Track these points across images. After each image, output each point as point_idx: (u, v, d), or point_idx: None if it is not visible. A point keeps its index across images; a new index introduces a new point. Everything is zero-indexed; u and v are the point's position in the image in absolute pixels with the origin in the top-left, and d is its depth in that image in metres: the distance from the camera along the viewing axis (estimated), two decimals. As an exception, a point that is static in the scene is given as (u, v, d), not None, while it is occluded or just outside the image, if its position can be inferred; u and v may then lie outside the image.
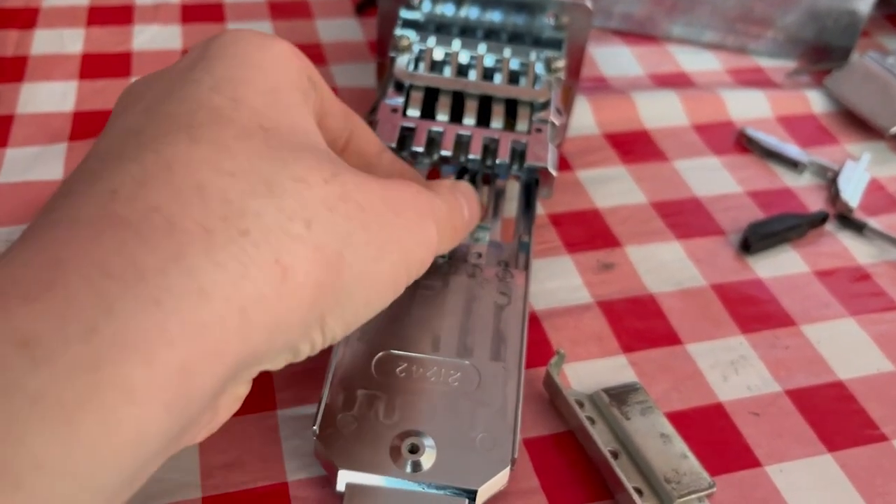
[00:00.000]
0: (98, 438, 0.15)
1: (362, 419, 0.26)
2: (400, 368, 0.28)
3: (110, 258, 0.16)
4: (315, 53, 0.47)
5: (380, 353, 0.28)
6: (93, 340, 0.15)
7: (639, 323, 0.33)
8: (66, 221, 0.17)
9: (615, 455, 0.28)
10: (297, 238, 0.19)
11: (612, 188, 0.40)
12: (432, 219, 0.25)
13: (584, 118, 0.44)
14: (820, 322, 0.34)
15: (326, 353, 0.28)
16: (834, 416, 0.31)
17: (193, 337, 0.17)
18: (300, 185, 0.20)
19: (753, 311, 0.34)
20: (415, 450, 0.26)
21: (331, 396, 0.27)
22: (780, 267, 0.37)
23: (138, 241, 0.17)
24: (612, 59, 0.49)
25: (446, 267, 0.31)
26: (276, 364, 0.22)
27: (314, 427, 0.26)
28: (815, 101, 0.47)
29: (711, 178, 0.41)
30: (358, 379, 0.27)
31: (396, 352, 0.28)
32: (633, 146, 0.43)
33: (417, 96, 0.34)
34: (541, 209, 0.38)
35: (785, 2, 0.49)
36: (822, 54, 0.51)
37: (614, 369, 0.31)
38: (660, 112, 0.45)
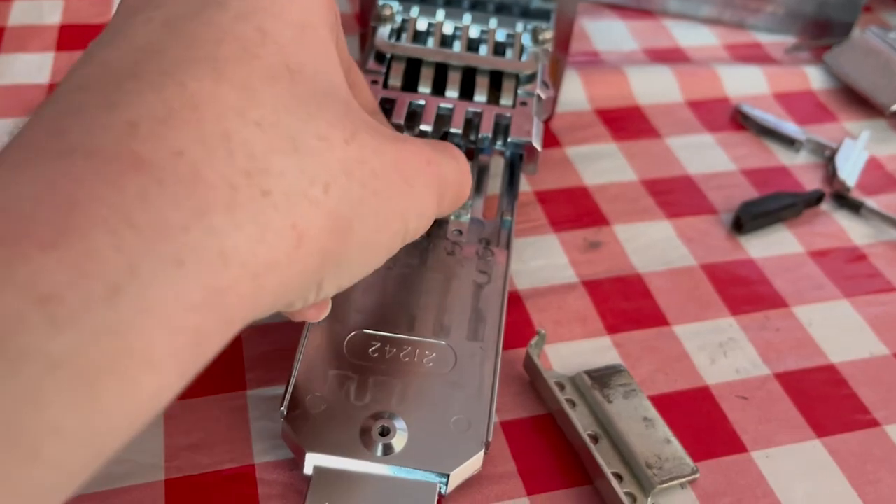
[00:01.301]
0: (117, 406, 0.14)
1: (332, 400, 0.25)
2: (373, 349, 0.27)
3: (132, 207, 0.15)
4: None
5: (352, 333, 0.27)
6: (116, 303, 0.14)
7: (625, 303, 0.32)
8: (79, 153, 0.15)
9: (595, 439, 0.27)
10: (315, 203, 0.18)
11: (602, 165, 0.39)
12: (436, 188, 0.24)
13: (575, 93, 0.42)
14: (813, 304, 0.33)
15: (297, 331, 0.27)
16: (824, 400, 0.30)
17: (211, 303, 0.16)
18: (323, 144, 0.19)
19: (744, 291, 0.33)
20: (386, 432, 0.25)
21: (300, 377, 0.26)
22: (773, 247, 0.36)
23: (161, 190, 0.16)
24: (606, 33, 0.48)
25: (425, 244, 0.30)
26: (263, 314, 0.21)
27: (282, 408, 0.25)
28: (815, 78, 0.46)
29: (705, 155, 0.40)
30: (329, 359, 0.26)
31: (370, 331, 0.27)
32: (625, 122, 0.41)
33: (399, 68, 0.33)
34: (527, 186, 0.37)
35: (785, -25, 0.47)
36: (823, 30, 0.49)
37: (598, 351, 0.30)
38: (653, 88, 0.43)
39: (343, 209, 0.19)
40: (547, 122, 0.41)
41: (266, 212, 0.17)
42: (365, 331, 0.27)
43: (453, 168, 0.25)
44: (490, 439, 0.25)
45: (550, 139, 0.40)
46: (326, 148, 0.19)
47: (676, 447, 0.27)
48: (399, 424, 0.25)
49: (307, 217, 0.18)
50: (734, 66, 0.45)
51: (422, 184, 0.23)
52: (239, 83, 0.18)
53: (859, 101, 0.44)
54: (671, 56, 0.47)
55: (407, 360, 0.27)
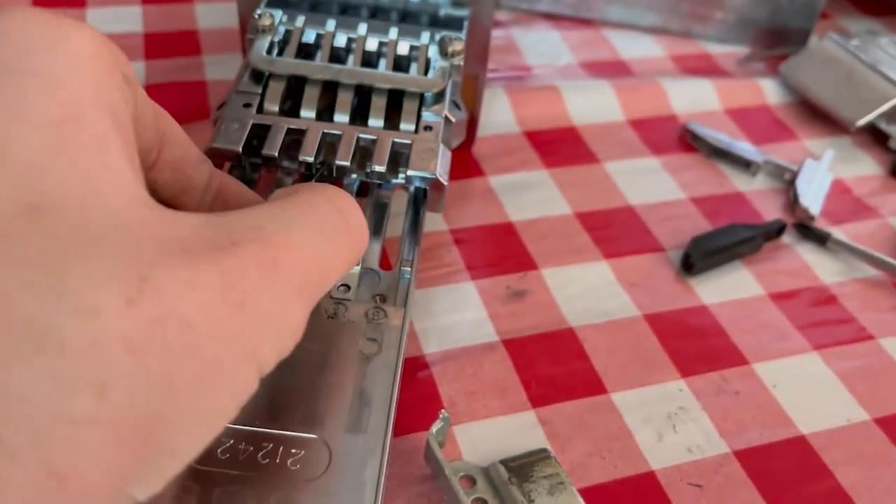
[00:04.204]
0: None
1: (163, 523, 0.19)
2: (222, 447, 0.21)
3: None
4: (189, 41, 0.40)
5: (197, 428, 0.21)
6: None
7: (553, 367, 0.27)
8: None
9: (512, 553, 0.21)
10: (80, 426, 0.13)
11: (531, 197, 0.33)
12: (302, 285, 0.17)
13: (502, 114, 0.37)
14: (777, 359, 0.28)
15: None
16: (796, 484, 0.24)
17: None
18: (88, 322, 0.13)
19: (696, 347, 0.28)
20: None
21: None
22: (729, 290, 0.30)
23: None
24: (540, 45, 0.43)
25: (301, 305, 0.25)
26: None
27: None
28: (770, 91, 0.41)
29: (649, 182, 0.35)
30: (164, 465, 0.20)
31: (220, 425, 0.21)
32: (559, 146, 0.36)
33: (278, 87, 0.28)
34: (442, 225, 0.32)
35: (735, -21, 0.43)
36: (778, 38, 0.45)
37: (520, 430, 0.25)
38: (591, 106, 0.38)
39: (138, 407, 0.13)
40: (468, 147, 0.35)
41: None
42: (213, 425, 0.21)
43: (328, 233, 0.18)
44: (369, 571, 0.19)
45: (472, 167, 0.34)
46: (95, 326, 0.13)
47: (614, 559, 0.21)
48: (251, 554, 0.19)
49: (69, 453, 0.13)
50: (681, 80, 0.41)
51: (273, 297, 0.16)
52: None
53: (820, 117, 0.40)
54: (612, 69, 0.42)
55: (266, 461, 0.21)
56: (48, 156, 0.14)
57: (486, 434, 0.25)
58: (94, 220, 0.14)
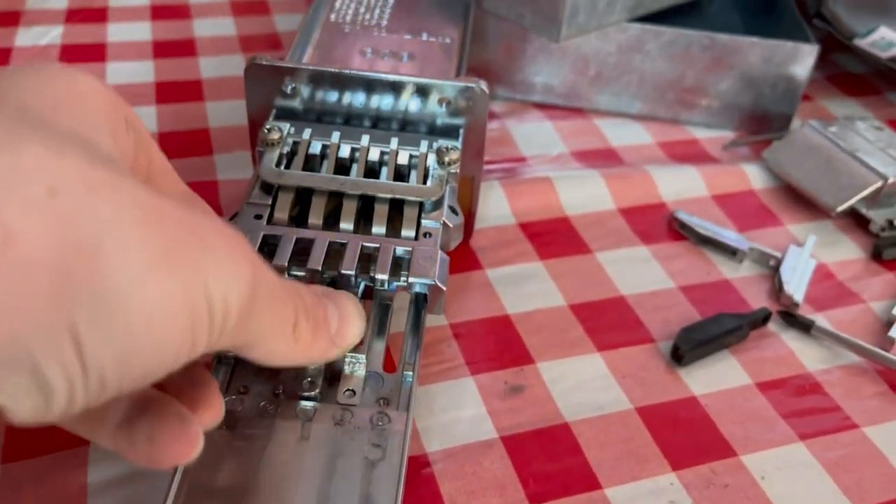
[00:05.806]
0: None
1: None
2: (235, 558, 0.22)
3: None
4: (201, 139, 0.42)
5: (212, 537, 0.23)
6: None
7: (550, 463, 0.28)
8: None
9: None
10: (33, 201, 0.15)
11: (527, 289, 0.35)
12: (252, 272, 0.18)
13: (498, 207, 0.39)
14: (764, 450, 0.29)
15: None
16: (783, 577, 0.25)
17: None
18: (51, 153, 0.16)
19: (686, 438, 0.29)
20: None
21: None
22: (717, 379, 0.32)
23: None
24: (533, 135, 0.45)
25: (310, 412, 0.26)
26: (13, 400, 0.15)
27: None
28: (755, 177, 0.43)
29: (639, 271, 0.37)
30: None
31: (233, 534, 0.23)
32: (552, 237, 0.38)
33: (287, 198, 0.29)
34: (442, 319, 0.33)
35: (717, 68, 0.45)
36: (761, 122, 0.47)
37: (518, 528, 0.26)
38: (582, 196, 0.40)
39: (83, 223, 0.15)
40: (467, 241, 0.37)
41: None
42: (227, 534, 0.23)
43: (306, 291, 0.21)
44: None
45: (470, 260, 0.36)
46: (56, 157, 0.16)
47: None
48: None
49: (21, 212, 0.14)
50: (669, 167, 0.43)
51: (224, 246, 0.18)
52: None
53: (802, 201, 0.41)
54: (602, 157, 0.44)
55: (278, 570, 0.22)
56: (39, 105, 0.18)
57: (486, 533, 0.26)
58: (77, 139, 0.17)
